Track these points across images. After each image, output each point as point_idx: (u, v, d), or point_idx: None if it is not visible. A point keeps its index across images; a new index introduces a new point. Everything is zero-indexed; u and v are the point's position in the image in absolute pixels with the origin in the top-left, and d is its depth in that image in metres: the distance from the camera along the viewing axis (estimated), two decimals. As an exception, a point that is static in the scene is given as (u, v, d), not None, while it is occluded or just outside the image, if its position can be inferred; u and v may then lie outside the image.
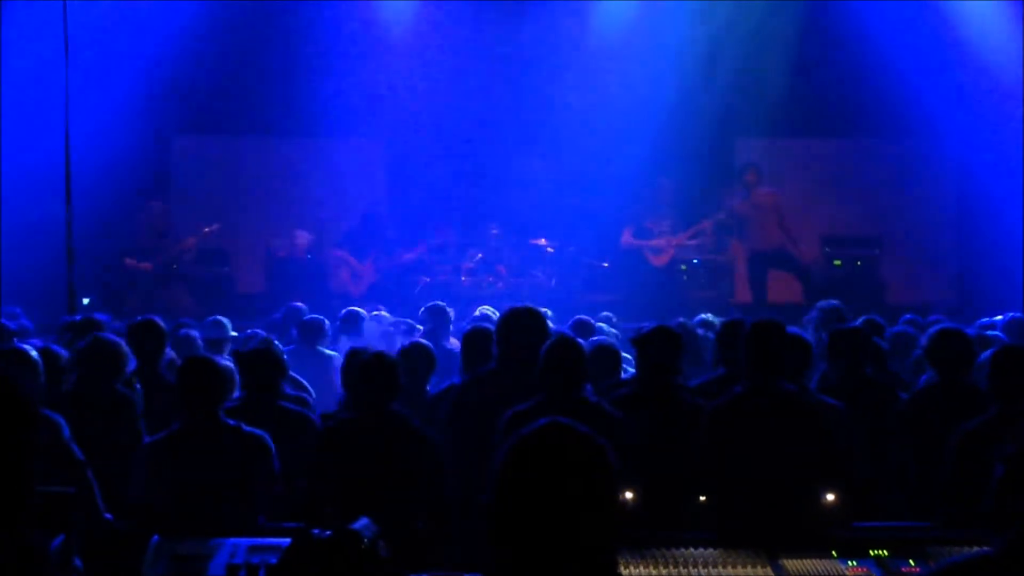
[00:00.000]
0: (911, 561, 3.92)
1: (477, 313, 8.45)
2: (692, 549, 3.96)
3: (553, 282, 12.50)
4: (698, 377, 5.94)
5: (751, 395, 4.71)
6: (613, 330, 7.79)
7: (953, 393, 5.37)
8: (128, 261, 12.34)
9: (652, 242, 12.69)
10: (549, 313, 7.07)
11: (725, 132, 13.36)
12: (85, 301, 10.49)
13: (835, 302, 7.59)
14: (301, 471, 4.82)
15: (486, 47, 13.18)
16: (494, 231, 12.80)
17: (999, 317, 8.12)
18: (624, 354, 6.31)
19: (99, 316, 7.22)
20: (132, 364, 5.48)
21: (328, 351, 7.58)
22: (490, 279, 12.51)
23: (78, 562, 3.10)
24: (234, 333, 7.94)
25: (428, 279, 12.41)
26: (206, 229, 12.58)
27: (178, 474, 4.61)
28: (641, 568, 3.83)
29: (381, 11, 13.35)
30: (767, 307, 11.81)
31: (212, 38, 12.63)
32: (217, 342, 7.50)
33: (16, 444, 2.34)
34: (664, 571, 3.84)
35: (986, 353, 5.32)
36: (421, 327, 7.96)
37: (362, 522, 2.41)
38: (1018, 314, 7.91)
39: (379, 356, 4.84)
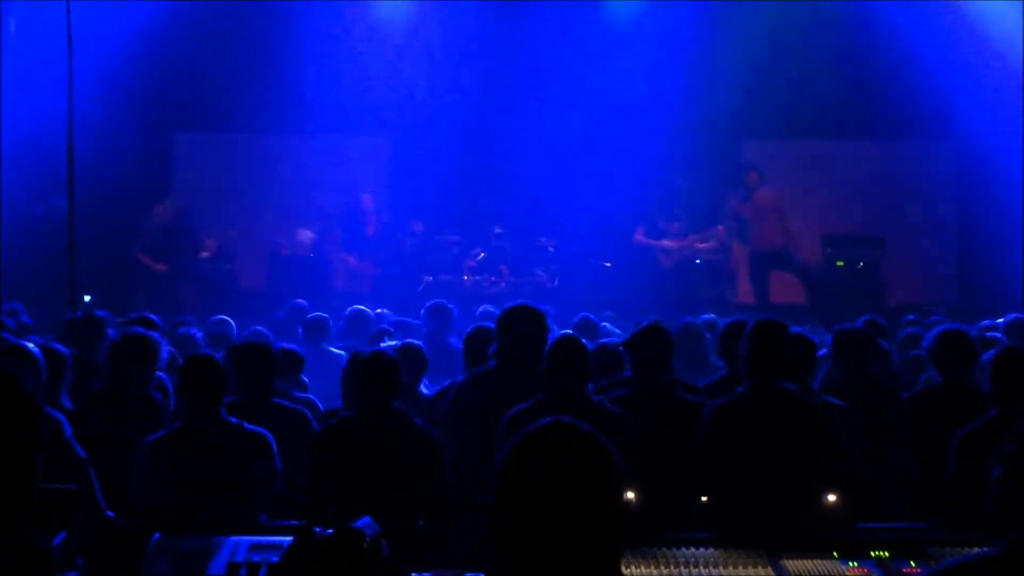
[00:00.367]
0: (912, 562, 3.91)
1: (479, 312, 8.45)
2: (693, 549, 3.95)
3: (556, 282, 12.50)
4: (702, 378, 5.94)
5: (752, 394, 4.70)
6: (617, 330, 7.78)
7: (954, 394, 5.37)
8: (142, 257, 12.30)
9: (664, 242, 12.71)
10: (550, 311, 7.06)
11: (731, 134, 13.37)
12: (87, 298, 10.48)
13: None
14: (300, 469, 4.82)
15: (491, 45, 13.20)
16: (497, 230, 12.80)
17: (1001, 320, 8.11)
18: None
19: (100, 313, 7.21)
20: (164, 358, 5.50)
21: (335, 350, 7.53)
22: (492, 278, 12.51)
23: (79, 560, 3.10)
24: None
25: (431, 278, 12.42)
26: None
27: (179, 472, 4.60)
28: (641, 568, 3.82)
29: (387, 10, 13.38)
30: (769, 308, 11.80)
31: (216, 35, 12.65)
32: (222, 339, 7.50)
33: (18, 442, 2.34)
34: (664, 571, 3.83)
35: (987, 354, 5.32)
36: (420, 326, 7.95)
37: (364, 521, 2.41)
38: (1019, 315, 7.89)
39: (380, 354, 4.83)
